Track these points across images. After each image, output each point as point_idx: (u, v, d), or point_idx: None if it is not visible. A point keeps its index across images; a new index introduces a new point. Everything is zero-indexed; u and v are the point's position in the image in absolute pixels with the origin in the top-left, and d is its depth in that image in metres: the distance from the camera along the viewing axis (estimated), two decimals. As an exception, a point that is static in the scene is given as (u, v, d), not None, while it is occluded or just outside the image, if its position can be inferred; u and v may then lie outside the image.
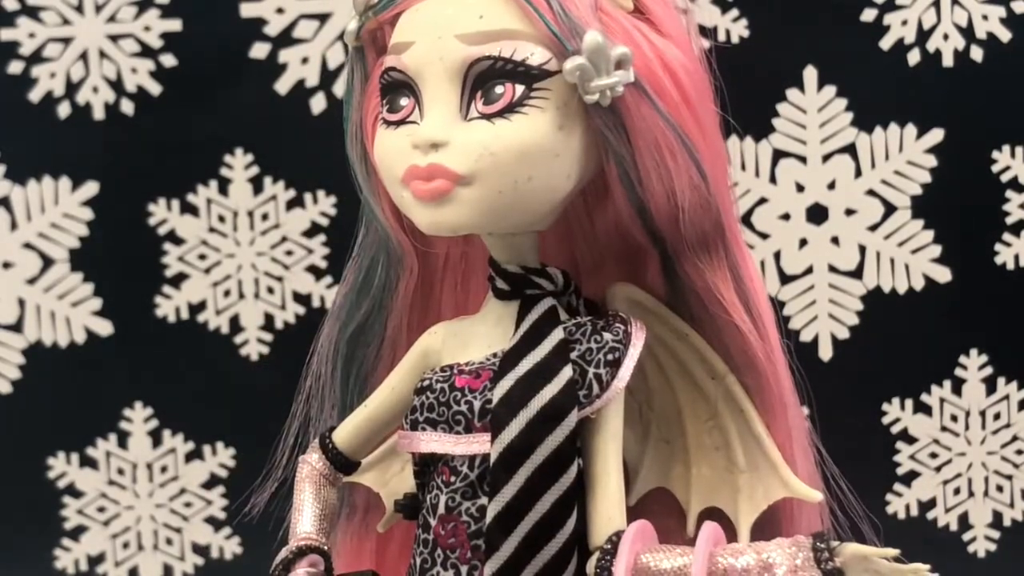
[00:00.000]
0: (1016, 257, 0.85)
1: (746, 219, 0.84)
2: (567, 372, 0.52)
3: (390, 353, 0.61)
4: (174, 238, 0.84)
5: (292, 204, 0.84)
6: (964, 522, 0.88)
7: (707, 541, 0.51)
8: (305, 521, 0.58)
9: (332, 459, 0.59)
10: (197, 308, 0.85)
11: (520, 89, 0.51)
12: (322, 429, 0.60)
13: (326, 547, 0.57)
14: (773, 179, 0.84)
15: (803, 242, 0.85)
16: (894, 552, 0.52)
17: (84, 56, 0.83)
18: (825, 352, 0.85)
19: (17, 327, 0.85)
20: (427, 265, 0.60)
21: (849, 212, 0.84)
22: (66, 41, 0.82)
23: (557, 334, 0.53)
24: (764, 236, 0.84)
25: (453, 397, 0.53)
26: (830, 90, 0.83)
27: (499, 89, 0.51)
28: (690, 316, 0.57)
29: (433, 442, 0.54)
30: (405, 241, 0.58)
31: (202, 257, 0.85)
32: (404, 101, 0.52)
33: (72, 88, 0.83)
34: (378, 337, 0.61)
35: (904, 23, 0.83)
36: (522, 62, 0.51)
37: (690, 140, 0.53)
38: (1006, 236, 0.85)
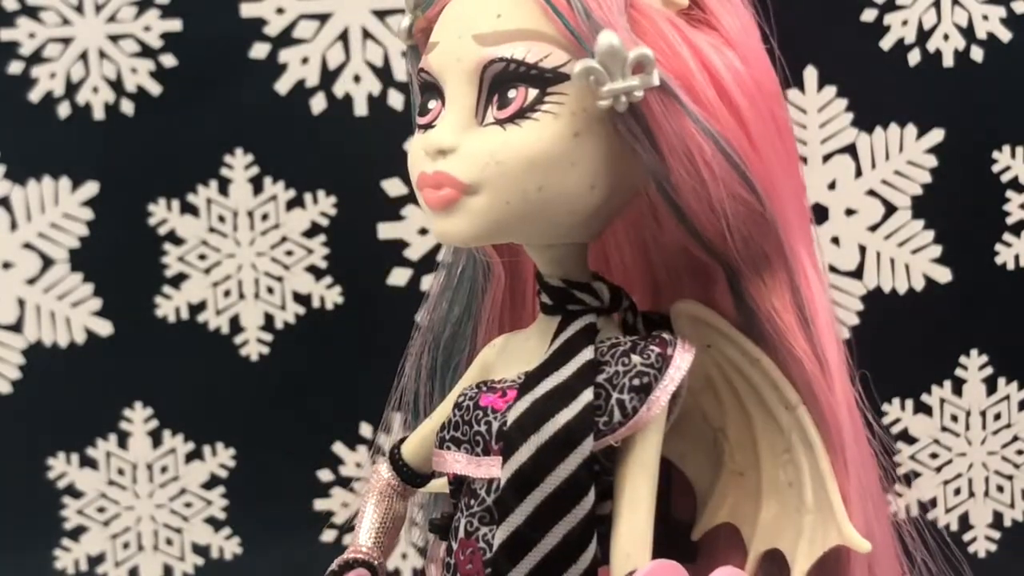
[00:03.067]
0: (1016, 257, 0.85)
1: (746, 219, 0.84)
2: (586, 396, 0.49)
3: None
4: (174, 238, 0.84)
5: (292, 204, 0.84)
6: (964, 522, 0.88)
7: None
8: (363, 533, 0.56)
9: (400, 471, 0.57)
10: (197, 308, 0.85)
11: (533, 93, 0.48)
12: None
13: (376, 561, 0.55)
14: (773, 179, 0.84)
15: (803, 242, 0.85)
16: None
17: (84, 56, 0.83)
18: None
19: (17, 327, 0.85)
20: (515, 275, 0.58)
21: (849, 212, 0.84)
22: (66, 41, 0.82)
23: (586, 354, 0.50)
24: (764, 236, 0.84)
25: (476, 416, 0.51)
26: (830, 90, 0.83)
27: (512, 93, 0.48)
28: (761, 340, 0.52)
29: (457, 463, 0.52)
30: (490, 250, 0.56)
31: (202, 257, 0.85)
32: (432, 104, 0.50)
33: (72, 88, 0.83)
34: (469, 344, 0.59)
35: (904, 23, 0.83)
36: (535, 64, 0.48)
37: (732, 147, 0.49)
38: (1006, 236, 0.85)
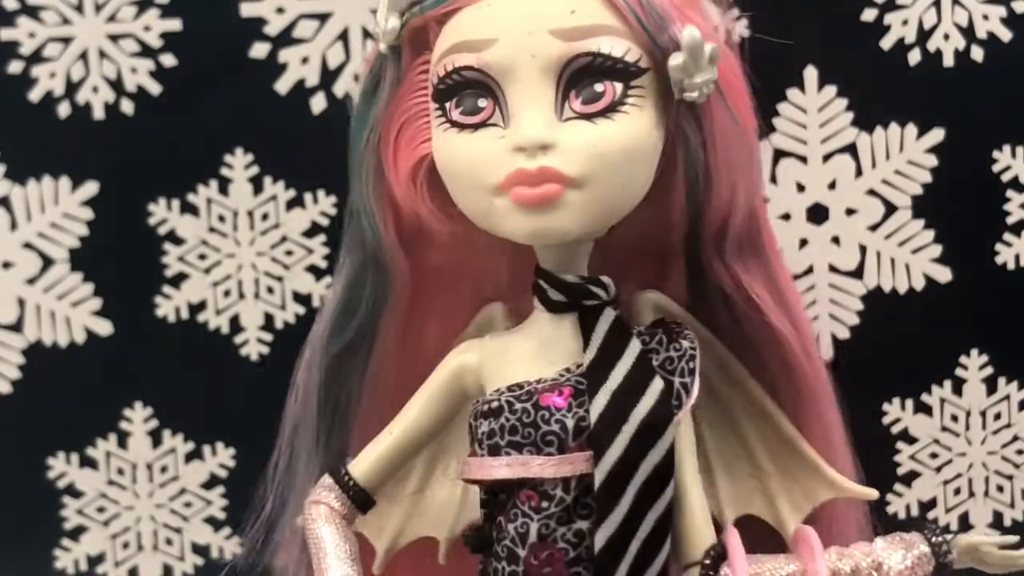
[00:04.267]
0: (1017, 257, 0.85)
1: (746, 219, 0.84)
2: (658, 383, 0.51)
3: (374, 382, 0.57)
4: (174, 238, 0.84)
5: (292, 204, 0.84)
6: (965, 522, 0.88)
7: (818, 546, 0.51)
8: (336, 571, 0.52)
9: (353, 497, 0.55)
10: (197, 308, 0.85)
11: (619, 87, 0.49)
12: (304, 466, 0.56)
13: None
14: (773, 179, 0.84)
15: (803, 242, 0.85)
16: (1013, 539, 0.52)
17: (84, 56, 0.83)
18: (825, 352, 0.85)
19: (17, 327, 0.85)
20: (419, 285, 0.57)
21: (849, 212, 0.84)
22: (66, 41, 0.82)
23: (636, 344, 0.52)
24: (764, 236, 0.84)
25: (541, 416, 0.50)
26: (830, 90, 0.83)
27: (599, 87, 0.49)
28: (714, 325, 0.55)
29: (519, 466, 0.50)
30: (400, 258, 0.55)
31: (202, 257, 0.85)
32: (483, 102, 0.50)
33: (72, 88, 0.83)
34: (363, 363, 0.57)
35: (904, 23, 0.83)
36: (621, 59, 0.49)
37: (751, 138, 0.53)
38: (1007, 236, 0.85)
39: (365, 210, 0.55)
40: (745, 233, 0.54)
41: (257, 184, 0.84)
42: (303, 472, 0.58)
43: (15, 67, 0.83)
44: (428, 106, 0.53)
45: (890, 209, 0.84)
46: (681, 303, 0.56)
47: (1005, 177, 0.84)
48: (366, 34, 0.83)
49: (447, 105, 0.51)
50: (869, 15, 0.83)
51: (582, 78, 0.49)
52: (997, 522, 0.88)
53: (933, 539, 0.51)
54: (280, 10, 0.83)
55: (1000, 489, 0.88)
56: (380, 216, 0.54)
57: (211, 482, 0.87)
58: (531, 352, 0.53)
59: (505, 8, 0.50)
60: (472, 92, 0.50)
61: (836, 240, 0.85)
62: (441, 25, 0.52)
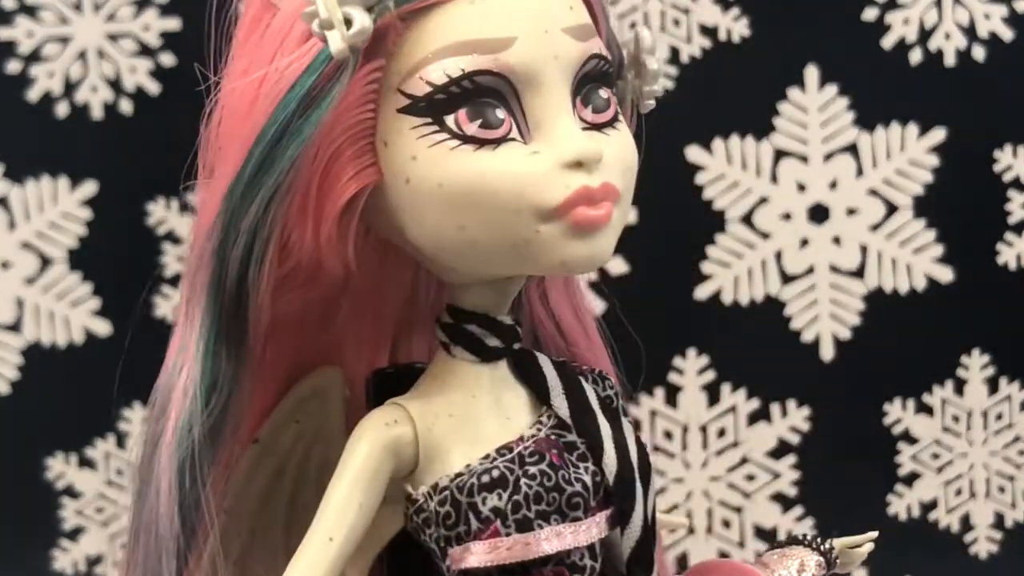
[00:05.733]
0: (1018, 257, 0.85)
1: (747, 219, 0.84)
2: (628, 426, 0.46)
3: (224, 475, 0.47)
4: (173, 238, 0.84)
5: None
6: (966, 523, 0.88)
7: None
8: None
9: None
10: (196, 308, 0.85)
11: (611, 94, 0.44)
12: None
13: None
14: (774, 178, 0.84)
15: (804, 242, 0.84)
16: (875, 535, 0.52)
17: (83, 55, 0.82)
18: (827, 352, 0.85)
19: (16, 327, 0.85)
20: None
21: (851, 212, 0.84)
22: (64, 40, 0.82)
23: (588, 387, 0.47)
24: (765, 236, 0.84)
25: (562, 477, 0.44)
26: (831, 89, 0.83)
27: (604, 94, 0.44)
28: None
29: (555, 538, 0.44)
30: (265, 311, 0.45)
31: (201, 257, 0.84)
32: (500, 113, 0.42)
33: (71, 87, 0.83)
34: (216, 453, 0.45)
35: (905, 22, 0.82)
36: (611, 62, 0.45)
37: None
38: (1008, 236, 0.85)
39: (245, 250, 0.44)
40: None
41: (256, 184, 0.84)
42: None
43: (13, 67, 0.82)
44: (374, 124, 0.43)
45: (891, 209, 0.84)
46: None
47: (1006, 177, 0.84)
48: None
49: (449, 119, 0.42)
50: (870, 14, 0.82)
51: (586, 83, 0.43)
52: (998, 523, 0.88)
53: (821, 548, 0.50)
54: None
55: (1001, 490, 0.87)
56: (262, 259, 0.44)
57: (210, 483, 0.86)
58: (483, 410, 0.46)
59: (507, 3, 0.43)
60: (484, 101, 0.42)
61: (837, 240, 0.84)
62: (406, 24, 0.43)
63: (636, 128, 0.48)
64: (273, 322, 0.46)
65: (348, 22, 0.41)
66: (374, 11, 0.42)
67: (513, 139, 0.42)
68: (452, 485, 0.44)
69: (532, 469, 0.44)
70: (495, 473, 0.44)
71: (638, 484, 0.45)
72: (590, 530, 0.44)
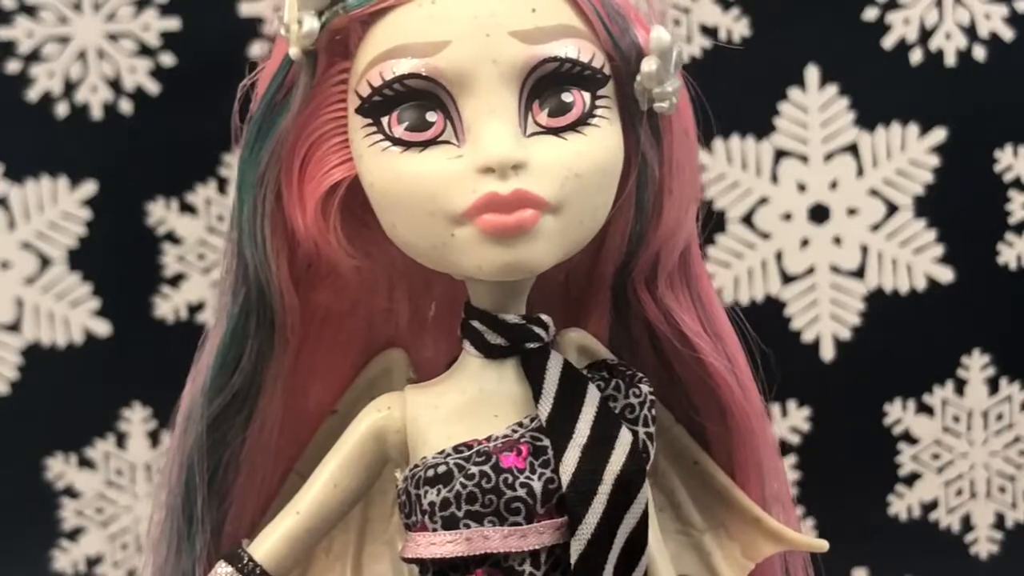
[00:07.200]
0: (1019, 257, 0.85)
1: (747, 219, 0.84)
2: (627, 435, 0.45)
3: (254, 449, 0.49)
4: (173, 238, 0.84)
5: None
6: (966, 523, 0.88)
7: None
8: None
9: None
10: (196, 308, 0.85)
11: (587, 97, 0.43)
12: (176, 556, 0.48)
13: None
14: (774, 178, 0.84)
15: (805, 242, 0.84)
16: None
17: (83, 55, 0.82)
18: (827, 353, 0.85)
19: (15, 327, 0.84)
20: (305, 330, 0.50)
21: (851, 212, 0.84)
22: (64, 40, 0.82)
23: (594, 391, 0.46)
24: (765, 236, 0.84)
25: (503, 480, 0.44)
26: (832, 89, 0.83)
27: (567, 97, 0.43)
28: (638, 365, 0.49)
29: (480, 540, 0.44)
30: (290, 300, 0.48)
31: (201, 257, 0.84)
32: (431, 116, 0.43)
33: (70, 87, 0.82)
34: (242, 428, 0.49)
35: (906, 22, 0.82)
36: (588, 64, 0.43)
37: (696, 154, 0.48)
38: (1008, 236, 0.84)
39: (253, 244, 0.48)
40: (679, 262, 0.49)
41: (256, 184, 0.84)
42: (177, 562, 0.49)
43: (13, 67, 0.82)
44: (345, 123, 0.46)
45: (892, 209, 0.84)
46: (603, 343, 0.50)
47: (1007, 177, 0.84)
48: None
49: (384, 120, 0.43)
50: (871, 14, 0.82)
51: (547, 87, 0.43)
52: (999, 523, 0.88)
53: None
54: (279, 10, 0.82)
55: (1002, 490, 0.87)
56: (272, 251, 0.47)
57: (210, 483, 0.86)
58: (471, 405, 0.46)
59: (455, 6, 0.43)
60: (417, 104, 0.43)
61: (837, 240, 0.84)
62: (366, 27, 0.44)
63: (652, 128, 0.47)
64: (327, 311, 0.50)
65: (301, 25, 0.45)
66: (324, 15, 0.44)
67: (446, 142, 0.43)
68: (409, 475, 0.45)
69: (473, 469, 0.44)
70: (441, 469, 0.44)
71: (601, 496, 0.43)
72: (530, 537, 0.44)
